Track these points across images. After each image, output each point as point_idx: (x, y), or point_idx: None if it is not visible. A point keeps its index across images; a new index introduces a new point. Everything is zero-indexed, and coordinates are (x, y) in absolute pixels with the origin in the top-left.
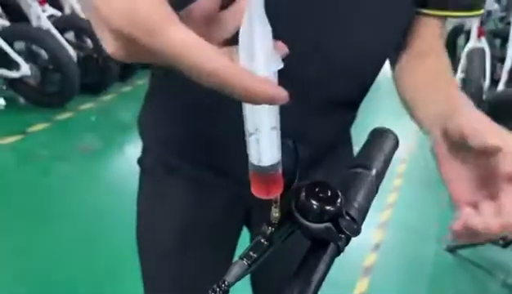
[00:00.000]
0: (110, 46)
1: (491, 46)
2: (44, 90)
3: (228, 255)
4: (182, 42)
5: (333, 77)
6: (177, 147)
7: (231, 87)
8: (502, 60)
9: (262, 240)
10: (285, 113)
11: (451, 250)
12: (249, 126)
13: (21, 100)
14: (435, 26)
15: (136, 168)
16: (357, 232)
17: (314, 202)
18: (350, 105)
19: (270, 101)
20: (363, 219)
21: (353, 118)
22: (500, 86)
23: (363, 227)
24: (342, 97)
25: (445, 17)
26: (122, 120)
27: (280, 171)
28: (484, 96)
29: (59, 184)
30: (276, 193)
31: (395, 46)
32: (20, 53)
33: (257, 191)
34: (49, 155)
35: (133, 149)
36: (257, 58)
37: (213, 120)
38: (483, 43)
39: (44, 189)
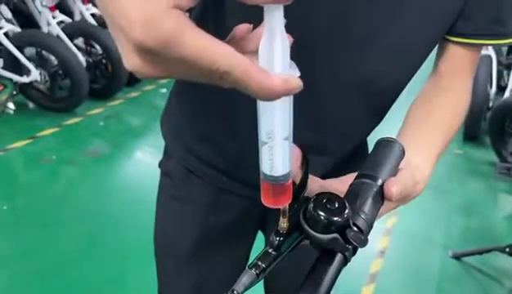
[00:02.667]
0: (134, 64)
1: (498, 53)
2: (53, 95)
3: (243, 260)
4: (199, 44)
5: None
6: (197, 150)
7: (246, 84)
8: (509, 66)
9: (270, 250)
10: (306, 126)
11: (457, 257)
12: (262, 135)
13: (31, 104)
14: (466, 53)
15: (144, 173)
16: (364, 243)
17: (322, 213)
18: (377, 115)
19: (284, 93)
20: (370, 229)
21: (373, 128)
22: (507, 94)
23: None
24: (370, 106)
25: (479, 45)
26: (130, 125)
27: (290, 181)
28: (490, 103)
29: (67, 188)
30: (284, 203)
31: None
32: (30, 59)
33: (266, 200)
34: (57, 159)
35: (141, 154)
36: (275, 66)
37: (231, 126)
38: (490, 50)
39: (52, 193)
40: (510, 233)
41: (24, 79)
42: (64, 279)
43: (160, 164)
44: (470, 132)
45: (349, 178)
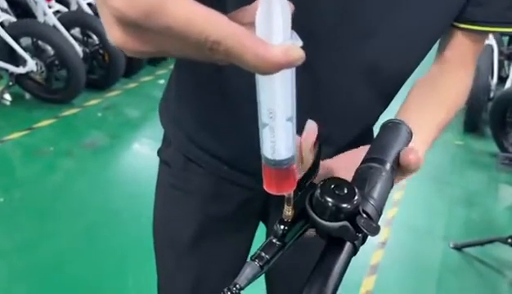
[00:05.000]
0: (117, 37)
1: (499, 43)
2: (50, 86)
3: (244, 252)
4: (187, 14)
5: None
6: (198, 138)
7: (240, 55)
8: (510, 57)
9: (275, 240)
10: (311, 114)
11: (458, 248)
12: (263, 115)
13: (27, 95)
14: (472, 41)
15: (142, 165)
16: (375, 231)
17: (330, 199)
18: (382, 102)
19: (285, 65)
20: (379, 216)
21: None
22: (508, 84)
23: None
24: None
25: (485, 32)
26: (128, 117)
27: (294, 166)
28: (492, 94)
29: (64, 180)
30: (288, 190)
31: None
32: (26, 49)
33: (268, 186)
34: (55, 151)
35: (139, 145)
36: (274, 35)
37: (232, 112)
38: (491, 40)
39: (49, 186)
40: None
41: (21, 70)
42: (61, 274)
43: (159, 152)
44: (471, 123)
45: (355, 154)
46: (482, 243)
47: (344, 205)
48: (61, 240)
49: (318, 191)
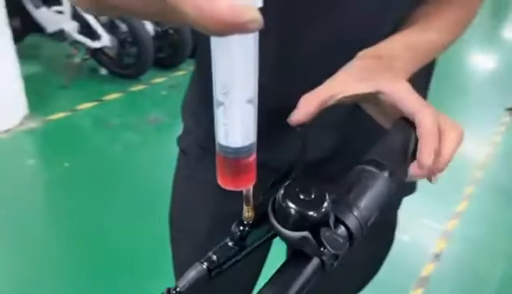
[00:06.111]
0: None
1: None
2: (121, 61)
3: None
4: None
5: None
6: (212, 128)
7: (179, 8)
8: None
9: (230, 243)
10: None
11: None
12: (217, 92)
13: (103, 70)
14: None
15: None
16: (341, 247)
17: (292, 204)
18: None
19: (232, 25)
20: (363, 231)
21: None
22: None
23: (422, 233)
24: None
25: None
26: None
27: (253, 156)
28: None
29: (125, 152)
30: (246, 185)
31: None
32: (103, 25)
33: (222, 180)
34: (120, 123)
35: None
36: None
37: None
38: None
39: (111, 156)
40: None
41: (96, 44)
42: (113, 239)
43: (178, 141)
44: None
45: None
46: None
47: (309, 212)
48: (114, 209)
49: (281, 193)
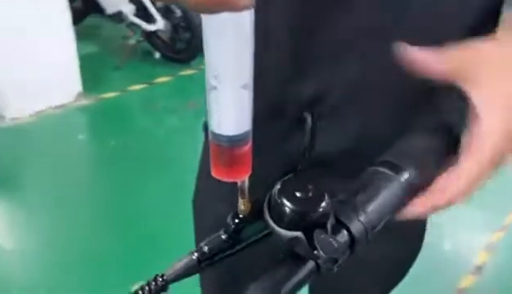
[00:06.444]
0: None
1: None
2: (174, 45)
3: None
4: None
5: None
6: None
7: None
8: None
9: (223, 236)
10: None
11: None
12: (209, 75)
13: (157, 54)
14: None
15: None
16: (334, 252)
17: (287, 202)
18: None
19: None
20: (368, 237)
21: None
22: None
23: (464, 243)
24: None
25: None
26: None
27: (248, 146)
28: None
29: (166, 135)
30: (241, 177)
31: None
32: (158, 10)
33: (216, 170)
34: (164, 106)
35: None
36: None
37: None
38: None
39: (154, 138)
40: None
41: (151, 27)
42: (143, 221)
43: (204, 124)
44: None
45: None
46: None
47: (305, 211)
48: (150, 192)
49: (277, 188)
